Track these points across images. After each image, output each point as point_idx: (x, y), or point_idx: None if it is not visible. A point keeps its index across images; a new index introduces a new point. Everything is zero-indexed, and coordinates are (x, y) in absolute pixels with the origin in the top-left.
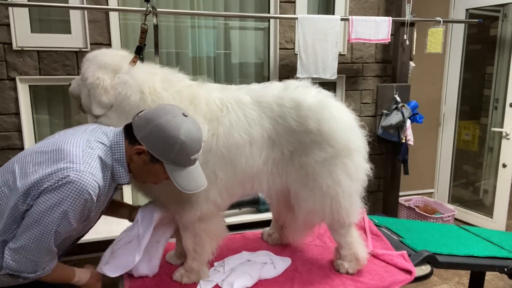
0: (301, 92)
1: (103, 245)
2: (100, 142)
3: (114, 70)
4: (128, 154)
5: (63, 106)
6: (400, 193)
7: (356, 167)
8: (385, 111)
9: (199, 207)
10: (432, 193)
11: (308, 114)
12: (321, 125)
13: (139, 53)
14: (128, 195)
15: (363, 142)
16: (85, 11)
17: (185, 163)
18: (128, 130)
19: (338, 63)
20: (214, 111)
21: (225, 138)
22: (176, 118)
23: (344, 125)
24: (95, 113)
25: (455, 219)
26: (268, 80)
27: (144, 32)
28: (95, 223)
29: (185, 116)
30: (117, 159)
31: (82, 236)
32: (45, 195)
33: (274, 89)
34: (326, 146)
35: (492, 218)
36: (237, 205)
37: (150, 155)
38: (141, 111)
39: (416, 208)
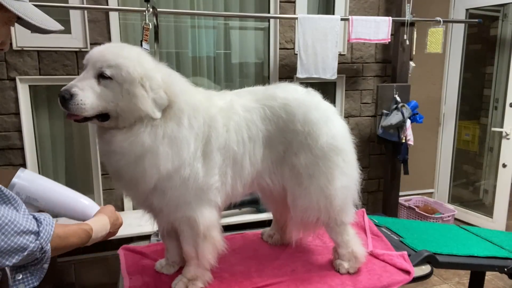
0: (289, 91)
1: (106, 243)
2: None
3: None
4: None
5: None
6: (400, 193)
7: (346, 165)
8: (385, 111)
9: (213, 210)
10: (432, 193)
11: (295, 112)
12: (307, 126)
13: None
14: (129, 205)
15: (351, 139)
16: (85, 11)
17: None
18: None
19: (338, 63)
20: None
21: (235, 134)
22: None
23: (330, 124)
24: None
25: (455, 219)
26: (268, 80)
27: (147, 30)
28: None
29: None
30: None
31: None
32: None
33: (267, 89)
34: (313, 146)
35: (492, 218)
36: (237, 205)
37: None
38: None
39: (416, 208)
